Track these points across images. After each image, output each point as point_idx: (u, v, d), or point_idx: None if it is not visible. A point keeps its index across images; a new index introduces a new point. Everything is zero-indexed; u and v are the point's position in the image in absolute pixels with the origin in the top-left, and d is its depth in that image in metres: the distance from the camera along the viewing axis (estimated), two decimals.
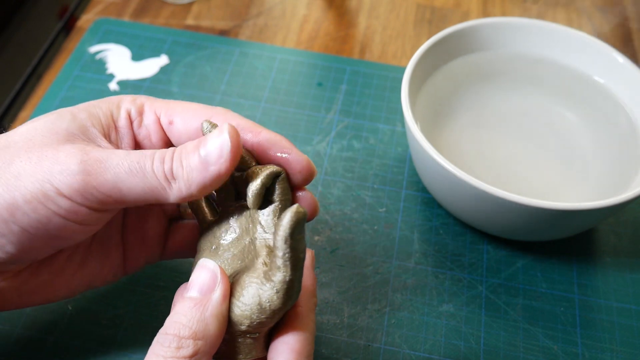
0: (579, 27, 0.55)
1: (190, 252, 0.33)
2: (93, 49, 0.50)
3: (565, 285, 0.39)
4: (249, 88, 0.48)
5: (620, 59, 0.41)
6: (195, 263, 0.29)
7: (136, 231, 0.32)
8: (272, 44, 0.52)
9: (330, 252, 0.39)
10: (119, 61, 0.50)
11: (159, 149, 0.29)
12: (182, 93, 0.48)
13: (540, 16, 0.56)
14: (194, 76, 0.49)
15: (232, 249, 0.28)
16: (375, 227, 0.41)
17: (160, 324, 0.35)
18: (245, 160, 0.28)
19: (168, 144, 0.30)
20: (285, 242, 0.24)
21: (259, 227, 0.28)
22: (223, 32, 0.53)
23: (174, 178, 0.26)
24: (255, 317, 0.25)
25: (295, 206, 0.23)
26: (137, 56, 0.50)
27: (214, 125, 0.28)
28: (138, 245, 0.32)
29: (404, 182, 0.43)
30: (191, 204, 0.31)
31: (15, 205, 0.25)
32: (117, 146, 0.29)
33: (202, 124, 0.28)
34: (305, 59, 0.51)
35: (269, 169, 0.27)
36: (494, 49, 0.44)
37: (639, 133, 0.40)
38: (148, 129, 0.29)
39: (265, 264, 0.26)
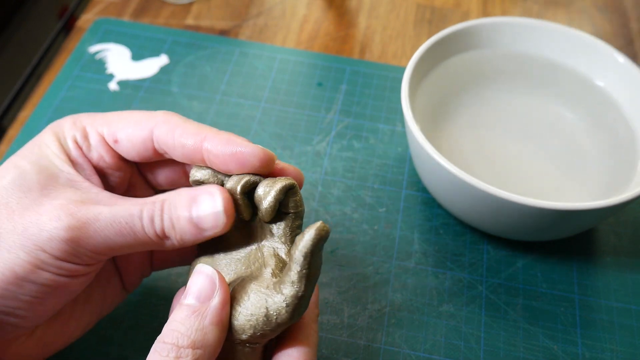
0: (579, 27, 0.55)
1: (180, 261, 0.33)
2: (93, 48, 0.50)
3: (565, 285, 0.39)
4: (249, 88, 0.48)
5: (621, 59, 0.41)
6: (194, 262, 0.28)
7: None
8: (272, 44, 0.52)
9: (330, 252, 0.39)
10: (119, 61, 0.49)
11: (114, 166, 0.29)
12: (182, 93, 0.48)
13: (541, 16, 0.56)
14: (194, 76, 0.49)
15: (235, 252, 0.27)
16: (375, 227, 0.41)
17: (160, 324, 0.36)
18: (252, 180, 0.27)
19: (122, 159, 0.30)
20: (305, 259, 0.23)
21: (267, 233, 0.27)
22: (223, 32, 0.53)
23: (166, 237, 0.26)
24: (259, 328, 0.25)
25: (319, 223, 0.23)
26: (137, 56, 0.50)
27: (204, 181, 0.27)
28: (128, 262, 0.32)
29: (404, 182, 0.43)
30: None
31: (20, 277, 0.25)
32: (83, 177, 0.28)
33: (191, 172, 0.28)
34: (305, 59, 0.51)
35: (281, 183, 0.26)
36: (494, 49, 0.44)
37: (638, 133, 0.40)
38: (98, 151, 0.29)
39: (274, 275, 0.26)
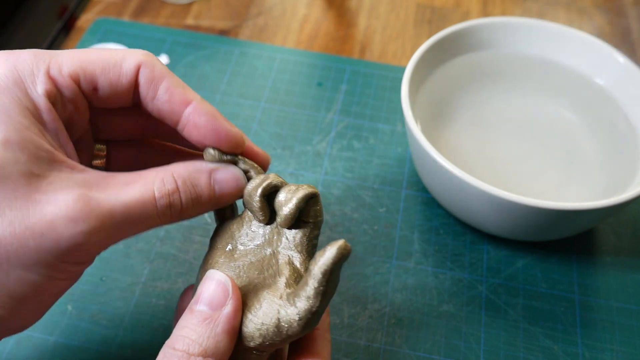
0: (580, 27, 0.55)
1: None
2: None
3: (565, 285, 0.39)
4: (249, 88, 0.48)
5: (621, 58, 0.41)
6: (206, 261, 0.28)
7: None
8: (272, 44, 0.52)
9: None
10: None
11: (80, 117, 0.25)
12: None
13: (541, 16, 0.56)
14: (194, 76, 0.49)
15: (249, 256, 0.27)
16: (375, 227, 0.41)
17: (160, 324, 0.36)
18: (276, 184, 0.27)
19: (88, 105, 0.25)
20: (324, 276, 0.23)
21: (284, 240, 0.27)
22: (223, 32, 0.53)
23: (180, 217, 0.25)
24: (269, 337, 0.24)
25: (341, 242, 0.23)
26: None
27: (221, 157, 0.27)
28: None
29: (404, 182, 0.43)
30: None
31: (38, 292, 0.23)
32: (60, 148, 0.23)
33: (206, 151, 0.27)
34: (305, 59, 0.51)
35: (304, 191, 0.26)
36: (494, 49, 0.44)
37: (639, 132, 0.40)
38: (73, 104, 0.24)
39: (288, 285, 0.25)
